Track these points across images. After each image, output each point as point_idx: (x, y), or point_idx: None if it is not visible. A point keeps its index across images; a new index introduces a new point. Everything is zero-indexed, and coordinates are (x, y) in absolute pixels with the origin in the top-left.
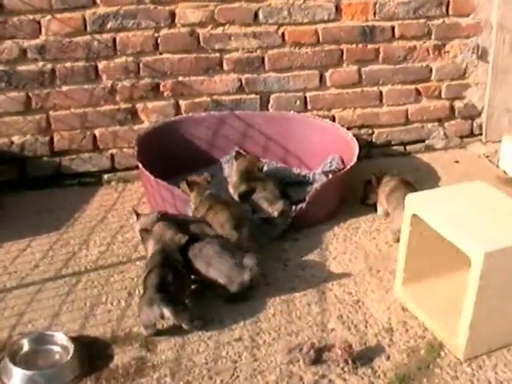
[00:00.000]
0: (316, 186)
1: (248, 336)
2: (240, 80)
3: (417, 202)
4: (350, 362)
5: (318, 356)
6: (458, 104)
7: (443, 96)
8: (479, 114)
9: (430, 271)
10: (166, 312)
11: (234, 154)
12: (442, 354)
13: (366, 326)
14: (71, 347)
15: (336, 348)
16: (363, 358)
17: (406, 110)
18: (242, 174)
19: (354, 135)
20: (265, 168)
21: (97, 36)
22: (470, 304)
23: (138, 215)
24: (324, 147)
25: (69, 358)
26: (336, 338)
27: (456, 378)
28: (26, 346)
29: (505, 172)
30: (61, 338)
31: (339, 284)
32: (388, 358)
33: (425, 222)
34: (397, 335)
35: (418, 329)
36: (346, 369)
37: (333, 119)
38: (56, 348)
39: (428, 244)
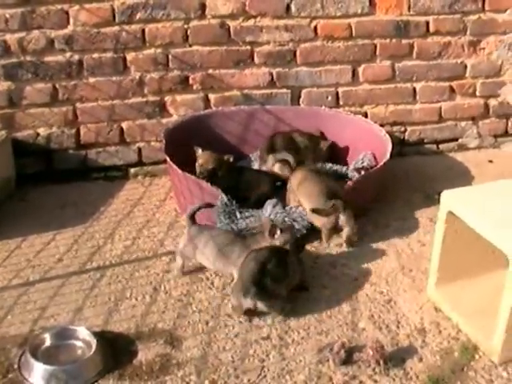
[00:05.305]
0: (348, 182)
1: (276, 334)
2: (271, 74)
3: (453, 198)
4: (381, 362)
5: (349, 356)
6: (492, 102)
7: (478, 94)
8: None
9: (464, 271)
10: (260, 305)
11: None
12: (477, 356)
13: (398, 327)
14: (94, 342)
15: (367, 348)
16: (395, 358)
17: (440, 108)
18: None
19: (387, 132)
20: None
21: (125, 27)
22: (506, 306)
23: None
24: (356, 143)
25: (91, 353)
26: (367, 338)
27: (491, 382)
28: (47, 340)
29: None
30: (83, 332)
31: (370, 283)
32: (420, 360)
33: (460, 220)
34: (430, 336)
35: (451, 330)
36: (377, 370)
37: (365, 115)
38: (78, 343)
39: (463, 243)
